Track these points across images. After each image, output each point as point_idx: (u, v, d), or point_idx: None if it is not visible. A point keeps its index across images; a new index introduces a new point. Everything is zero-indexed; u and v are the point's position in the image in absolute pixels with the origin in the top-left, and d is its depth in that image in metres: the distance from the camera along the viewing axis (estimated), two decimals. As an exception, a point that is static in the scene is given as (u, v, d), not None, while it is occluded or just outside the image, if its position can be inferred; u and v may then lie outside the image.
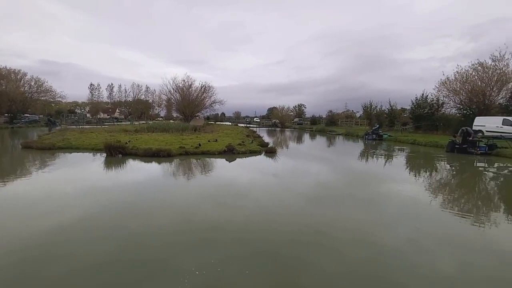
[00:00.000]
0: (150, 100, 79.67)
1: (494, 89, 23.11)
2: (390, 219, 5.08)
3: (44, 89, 43.02)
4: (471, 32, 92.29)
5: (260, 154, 13.11)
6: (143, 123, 32.30)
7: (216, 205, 5.58)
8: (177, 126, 23.81)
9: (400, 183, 8.31)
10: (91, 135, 18.06)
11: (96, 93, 78.35)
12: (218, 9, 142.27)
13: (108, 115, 72.91)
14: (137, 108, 74.67)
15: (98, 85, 78.35)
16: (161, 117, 72.05)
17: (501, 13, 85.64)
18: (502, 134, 17.96)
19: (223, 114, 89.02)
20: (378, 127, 26.23)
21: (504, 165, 11.86)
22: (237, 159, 11.59)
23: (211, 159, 11.43)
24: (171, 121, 40.59)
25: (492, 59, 23.36)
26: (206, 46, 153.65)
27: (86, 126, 30.34)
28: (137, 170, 9.32)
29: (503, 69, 22.80)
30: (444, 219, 5.20)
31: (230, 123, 59.63)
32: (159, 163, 10.24)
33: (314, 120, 56.03)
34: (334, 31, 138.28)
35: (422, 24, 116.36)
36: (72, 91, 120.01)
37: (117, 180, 7.83)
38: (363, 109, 42.89)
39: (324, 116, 56.37)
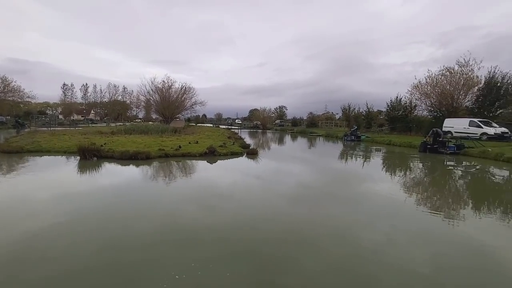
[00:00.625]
0: (128, 101, 77.14)
1: (461, 92, 24.65)
2: (368, 217, 5.25)
3: (11, 88, 40.40)
4: (440, 39, 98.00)
5: (242, 156, 13.08)
6: (120, 125, 31.20)
7: (199, 207, 5.49)
8: (157, 128, 23.22)
9: (377, 183, 8.62)
10: (63, 137, 17.15)
11: (70, 94, 74.60)
12: (198, 10, 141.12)
13: (82, 116, 69.61)
14: (113, 109, 71.97)
15: (72, 85, 74.66)
16: (140, 118, 69.93)
17: (467, 22, 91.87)
18: (469, 135, 19.22)
19: (204, 115, 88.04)
20: (356, 128, 27.10)
21: (471, 163, 12.67)
22: (219, 161, 11.48)
23: (192, 161, 11.25)
24: (150, 122, 39.56)
25: (459, 64, 25.01)
26: (186, 46, 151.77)
27: (58, 128, 28.76)
28: (114, 174, 8.96)
29: (469, 74, 24.42)
30: (417, 215, 5.45)
31: (211, 125, 59.10)
32: (137, 166, 9.91)
33: (295, 122, 56.87)
34: (313, 35, 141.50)
35: (397, 30, 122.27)
36: (43, 91, 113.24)
37: (93, 184, 7.48)
38: (342, 111, 44.13)
39: (304, 118, 57.36)
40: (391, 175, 10.26)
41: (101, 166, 9.70)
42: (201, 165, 10.56)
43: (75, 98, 75.54)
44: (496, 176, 10.17)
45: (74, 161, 10.50)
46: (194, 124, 54.63)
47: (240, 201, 6.10)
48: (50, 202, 5.72)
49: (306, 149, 20.41)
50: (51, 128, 27.82)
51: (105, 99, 76.42)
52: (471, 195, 7.46)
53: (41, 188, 6.98)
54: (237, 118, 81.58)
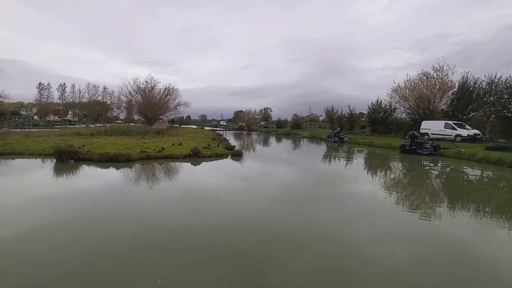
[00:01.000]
0: (108, 102, 74.66)
1: (437, 96, 25.84)
2: (351, 216, 5.37)
3: (-20, 87, 38.00)
4: (418, 45, 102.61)
5: (227, 158, 13.00)
6: (100, 126, 30.15)
7: (183, 210, 5.40)
8: (138, 129, 22.64)
9: (360, 183, 8.84)
10: (38, 139, 16.32)
11: (46, 93, 71.32)
12: (183, 11, 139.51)
13: (59, 117, 66.57)
14: (93, 110, 69.43)
15: (49, 84, 71.42)
16: (121, 120, 67.86)
17: (443, 30, 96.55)
18: (444, 136, 20.16)
19: (188, 117, 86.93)
20: (339, 130, 27.71)
21: (446, 163, 13.27)
22: (203, 163, 11.35)
23: (176, 163, 11.04)
24: (131, 124, 38.50)
25: (434, 70, 26.24)
26: (171, 47, 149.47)
27: (33, 129, 27.32)
28: (93, 176, 8.63)
29: (444, 78, 25.67)
30: (397, 214, 5.63)
31: (195, 127, 58.43)
32: (118, 168, 9.59)
33: (280, 124, 57.34)
34: (298, 38, 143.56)
35: (378, 36, 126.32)
36: (19, 90, 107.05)
37: (71, 187, 7.15)
38: (326, 113, 44.93)
39: (289, 120, 57.98)
40: (372, 175, 10.55)
41: (79, 169, 9.31)
42: (185, 167, 10.39)
43: (52, 98, 72.37)
44: (469, 176, 10.71)
45: (50, 164, 10.01)
46: (178, 125, 53.74)
47: (225, 202, 6.05)
48: (25, 207, 5.41)
49: (291, 151, 20.60)
50: (25, 130, 26.40)
51: (84, 100, 73.59)
52: (446, 194, 7.80)
53: (15, 192, 6.59)
54: (222, 120, 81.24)
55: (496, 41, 78.45)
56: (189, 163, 11.06)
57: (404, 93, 27.75)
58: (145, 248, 3.69)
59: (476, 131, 20.32)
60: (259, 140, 30.71)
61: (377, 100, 31.06)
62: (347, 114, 38.14)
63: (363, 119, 37.48)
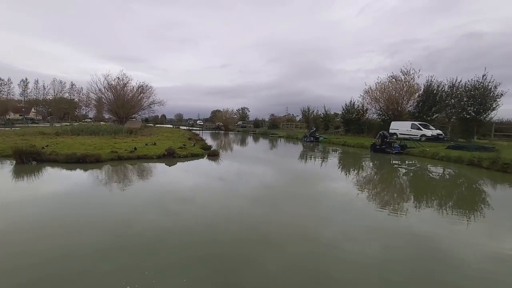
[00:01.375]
0: (76, 99, 70.39)
1: (405, 98, 27.38)
2: (326, 214, 5.50)
3: None
4: (389, 49, 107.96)
5: (203, 158, 12.79)
6: (66, 125, 28.36)
7: (157, 212, 5.20)
8: (109, 128, 21.60)
9: (334, 181, 9.11)
10: (-6, 138, 14.96)
11: (5, 89, 65.66)
12: (159, 7, 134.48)
13: (20, 115, 61.58)
14: (59, 108, 65.11)
15: (9, 79, 65.84)
16: (90, 118, 64.34)
17: (411, 35, 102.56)
18: (411, 136, 21.40)
19: (163, 116, 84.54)
20: (315, 130, 28.40)
21: (412, 162, 14.09)
22: (178, 163, 11.06)
23: (150, 163, 10.65)
24: (101, 123, 36.60)
25: (402, 73, 27.78)
26: (145, 43, 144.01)
27: (-12, 128, 25.01)
28: (58, 179, 8.07)
29: (410, 81, 27.28)
30: (369, 211, 5.86)
31: (171, 126, 56.91)
32: (86, 170, 9.06)
33: (257, 123, 57.58)
34: (276, 39, 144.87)
35: (351, 39, 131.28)
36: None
37: (33, 191, 6.63)
38: (302, 113, 45.82)
39: (266, 120, 58.40)
40: (346, 173, 10.92)
41: (42, 171, 8.66)
42: (160, 168, 10.06)
43: (12, 95, 66.81)
44: (433, 173, 11.45)
45: (8, 166, 9.21)
46: (152, 124, 52.02)
47: (201, 203, 5.93)
48: (-26, 213, 4.91)
49: (268, 150, 20.75)
50: (-21, 128, 24.08)
51: (49, 97, 68.80)
52: (413, 191, 8.28)
53: (-37, 197, 5.96)
54: (199, 119, 79.94)
55: (457, 48, 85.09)
56: (164, 164, 10.73)
57: (375, 94, 29.10)
58: (115, 253, 3.51)
59: (439, 132, 21.79)
60: (237, 140, 30.60)
61: (351, 101, 32.27)
62: (322, 114, 39.18)
63: (338, 119, 38.71)
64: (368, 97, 29.87)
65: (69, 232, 4.16)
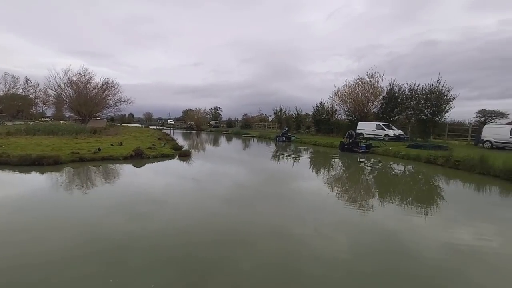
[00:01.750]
0: (32, 96, 64.38)
1: (370, 100, 29.03)
2: (299, 212, 5.61)
3: None
4: (356, 53, 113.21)
5: (174, 158, 12.41)
6: (20, 124, 25.84)
7: (126, 215, 4.93)
8: (70, 127, 20.09)
9: (306, 180, 9.35)
10: None
11: None
12: (127, 1, 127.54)
13: (-37, 112, 54.93)
14: (11, 105, 58.99)
15: None
16: (48, 117, 59.32)
17: (376, 41, 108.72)
18: (376, 136, 22.71)
19: (131, 115, 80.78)
20: (287, 130, 28.93)
21: (377, 160, 14.96)
22: (147, 164, 10.60)
23: (116, 165, 10.07)
24: (61, 122, 33.91)
25: (368, 76, 29.40)
26: (111, 38, 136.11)
27: None
28: (11, 184, 7.33)
29: (375, 84, 28.97)
30: (338, 208, 6.11)
31: (140, 125, 54.54)
32: (43, 173, 8.32)
33: (230, 123, 57.28)
34: (249, 39, 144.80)
35: (321, 43, 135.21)
36: None
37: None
38: (275, 113, 46.47)
39: (239, 119, 58.32)
40: (316, 172, 11.27)
41: (-11, 175, 7.80)
42: (127, 169, 9.56)
43: (-48, 90, 59.17)
44: (395, 170, 12.25)
45: None
46: (118, 124, 49.34)
47: (172, 205, 5.73)
48: None
49: (241, 150, 20.73)
50: None
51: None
52: (378, 187, 8.78)
53: None
54: (170, 119, 77.52)
55: (416, 55, 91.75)
56: (131, 165, 10.22)
57: (343, 96, 30.43)
58: (78, 260, 3.26)
59: (400, 132, 23.39)
60: (209, 139, 30.16)
61: (321, 102, 33.41)
62: (294, 114, 40.07)
63: (309, 120, 39.86)
64: (337, 99, 31.18)
65: (26, 240, 3.78)
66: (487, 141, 17.63)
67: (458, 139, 23.63)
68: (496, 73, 75.63)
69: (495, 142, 17.15)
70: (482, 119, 35.32)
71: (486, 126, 20.01)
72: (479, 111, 38.02)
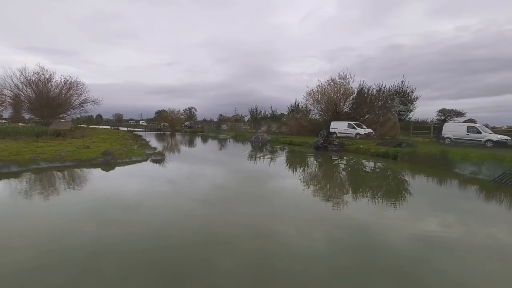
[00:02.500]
0: (-17, 96, 58.53)
1: (342, 100, 30.16)
2: (277, 211, 5.66)
3: None
4: (328, 55, 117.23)
5: (146, 161, 11.94)
6: (-31, 127, 23.37)
7: (96, 222, 4.67)
8: (30, 130, 18.55)
9: (283, 178, 9.47)
10: None
11: None
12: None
13: None
14: (-42, 106, 53.24)
15: None
16: (4, 119, 54.25)
17: (347, 44, 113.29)
18: (348, 135, 23.64)
19: (99, 116, 76.43)
20: (262, 130, 29.13)
21: (350, 157, 15.57)
22: (118, 168, 10.09)
23: (83, 169, 9.47)
24: (20, 124, 31.18)
25: (340, 77, 30.53)
26: (76, 34, 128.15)
27: None
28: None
29: (346, 85, 30.17)
30: (315, 205, 6.26)
31: (109, 127, 51.85)
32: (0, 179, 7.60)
33: (205, 124, 56.40)
34: (225, 39, 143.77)
35: (296, 44, 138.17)
36: None
37: None
38: (250, 113, 46.67)
39: (215, 120, 57.71)
40: (293, 171, 11.46)
41: None
42: (95, 174, 9.02)
43: None
44: (366, 167, 12.83)
45: None
46: (85, 126, 46.46)
47: (146, 209, 5.50)
48: None
49: (217, 151, 20.49)
50: None
51: None
52: (351, 184, 9.13)
53: None
54: (142, 120, 74.54)
55: (384, 57, 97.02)
56: (100, 169, 9.66)
57: (317, 96, 31.30)
58: (44, 271, 3.00)
59: (370, 130, 24.56)
60: (184, 140, 29.46)
61: (295, 102, 34.17)
62: (270, 114, 40.49)
63: (284, 119, 40.49)
64: (311, 99, 32.00)
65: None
66: (447, 138, 19.07)
67: (422, 136, 25.35)
68: (454, 75, 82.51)
69: (454, 138, 18.60)
70: (442, 117, 38.16)
71: (446, 124, 21.60)
72: (439, 110, 41.06)
